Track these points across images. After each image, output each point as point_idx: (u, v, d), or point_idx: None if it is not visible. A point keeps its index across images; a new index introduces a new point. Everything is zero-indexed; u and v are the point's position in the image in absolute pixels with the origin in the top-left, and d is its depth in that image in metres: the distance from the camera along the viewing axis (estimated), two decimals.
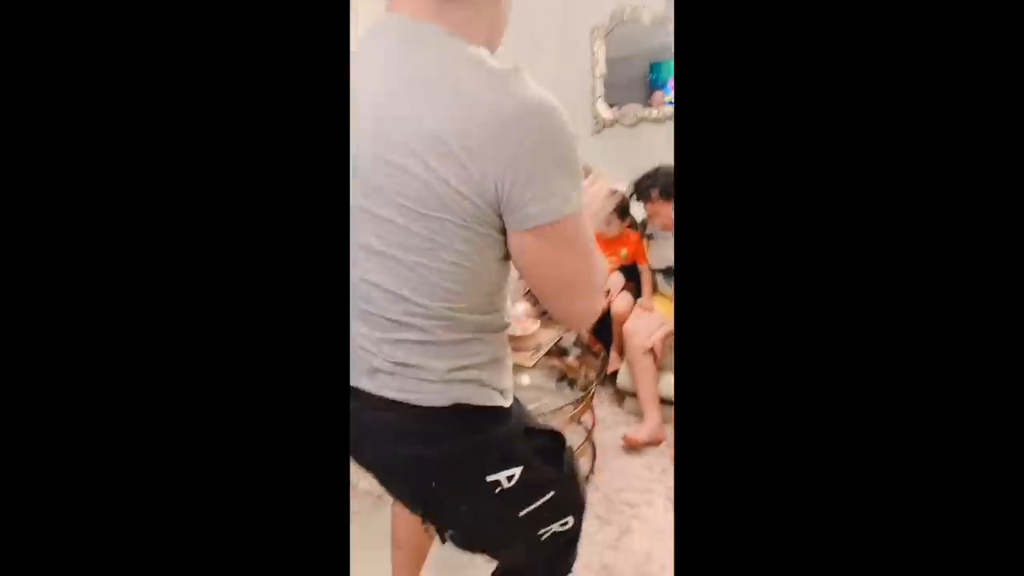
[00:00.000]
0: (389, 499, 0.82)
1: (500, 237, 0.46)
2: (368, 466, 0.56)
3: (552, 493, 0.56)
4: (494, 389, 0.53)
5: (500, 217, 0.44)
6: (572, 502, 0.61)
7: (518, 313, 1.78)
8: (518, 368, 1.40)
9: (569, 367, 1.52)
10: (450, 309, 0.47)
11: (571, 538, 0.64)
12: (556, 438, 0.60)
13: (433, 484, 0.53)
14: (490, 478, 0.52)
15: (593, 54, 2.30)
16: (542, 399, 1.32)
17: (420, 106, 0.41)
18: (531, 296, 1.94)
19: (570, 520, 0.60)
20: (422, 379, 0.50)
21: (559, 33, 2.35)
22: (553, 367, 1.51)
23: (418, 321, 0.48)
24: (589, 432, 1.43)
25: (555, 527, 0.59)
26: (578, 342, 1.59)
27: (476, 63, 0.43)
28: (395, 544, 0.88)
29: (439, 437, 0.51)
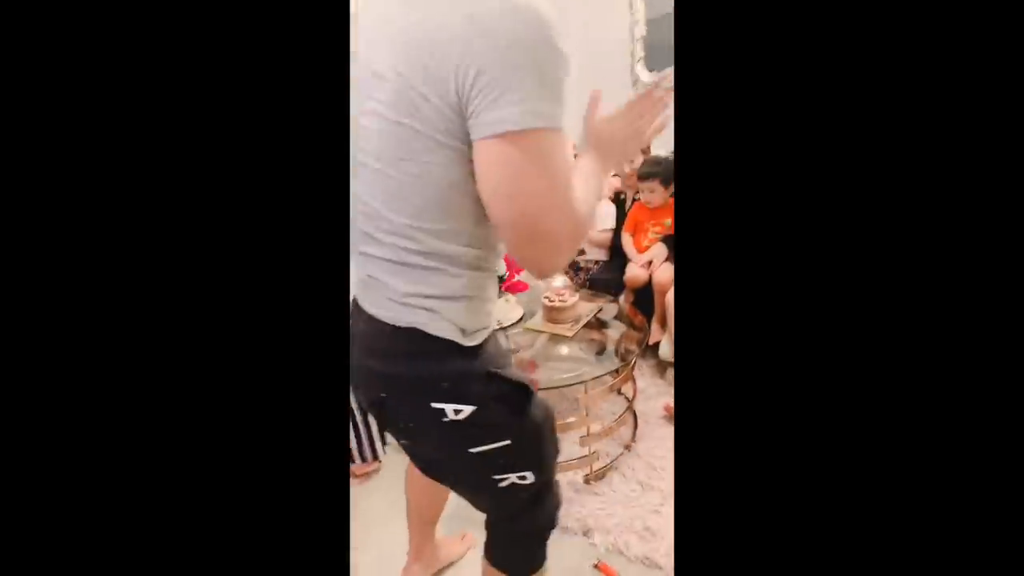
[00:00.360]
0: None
1: (468, 152, 0.43)
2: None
3: (507, 441, 0.56)
4: (453, 324, 0.52)
5: (462, 122, 0.42)
6: (533, 457, 0.60)
7: (557, 285, 1.79)
8: (557, 338, 1.43)
9: (609, 339, 1.52)
10: (413, 228, 0.48)
11: (534, 495, 0.63)
12: (522, 390, 0.57)
13: (383, 395, 0.56)
14: (435, 405, 0.52)
15: (632, 15, 2.19)
16: (581, 369, 1.33)
17: (399, 7, 0.43)
18: (567, 270, 1.94)
19: (529, 475, 0.59)
20: (386, 296, 0.52)
21: None
22: (593, 340, 1.52)
23: (384, 237, 0.50)
24: (630, 402, 1.44)
25: (513, 477, 0.58)
26: (619, 315, 1.58)
27: None
28: (409, 504, 0.93)
29: (391, 354, 0.53)
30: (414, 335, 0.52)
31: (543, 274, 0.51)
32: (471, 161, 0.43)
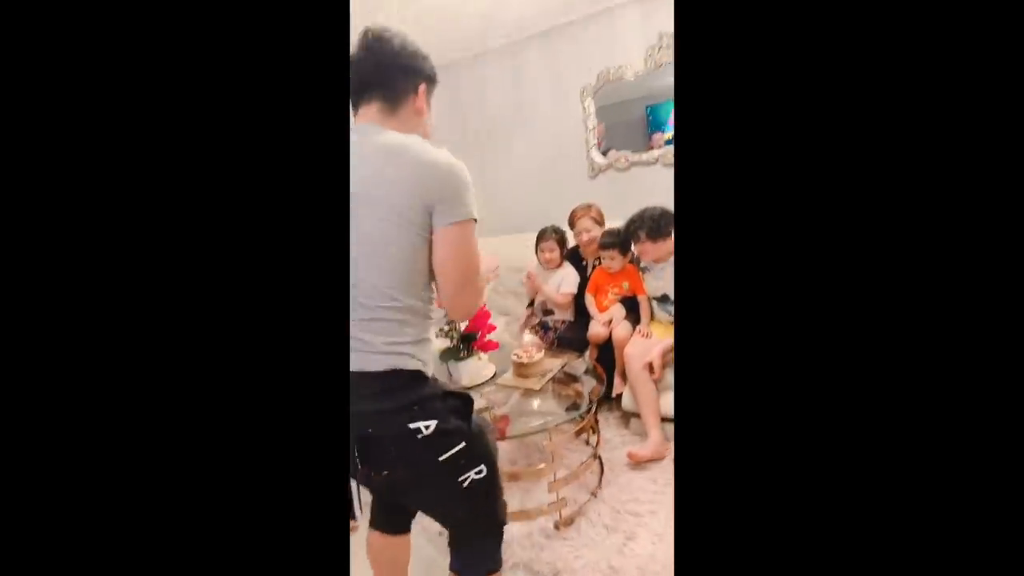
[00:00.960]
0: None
1: (428, 238, 0.70)
2: None
3: (463, 443, 0.73)
4: (419, 360, 0.72)
5: (430, 222, 0.69)
6: (482, 452, 0.77)
7: (526, 343, 1.95)
8: (530, 393, 1.57)
9: (578, 392, 1.66)
10: (392, 292, 0.69)
11: (488, 488, 0.79)
12: (466, 400, 0.78)
13: (369, 431, 0.70)
14: (412, 425, 0.69)
15: (584, 109, 2.58)
16: (552, 422, 1.45)
17: (385, 161, 0.69)
18: (536, 329, 2.12)
19: (483, 468, 0.76)
20: (368, 352, 0.68)
21: (553, 94, 2.65)
22: (564, 394, 1.65)
23: (367, 301, 0.68)
24: (595, 448, 1.56)
25: (472, 474, 0.75)
26: (588, 370, 1.73)
27: (415, 140, 0.71)
28: (373, 564, 1.01)
29: (377, 395, 0.69)
30: (395, 374, 0.70)
31: (468, 315, 0.78)
32: (430, 242, 0.71)
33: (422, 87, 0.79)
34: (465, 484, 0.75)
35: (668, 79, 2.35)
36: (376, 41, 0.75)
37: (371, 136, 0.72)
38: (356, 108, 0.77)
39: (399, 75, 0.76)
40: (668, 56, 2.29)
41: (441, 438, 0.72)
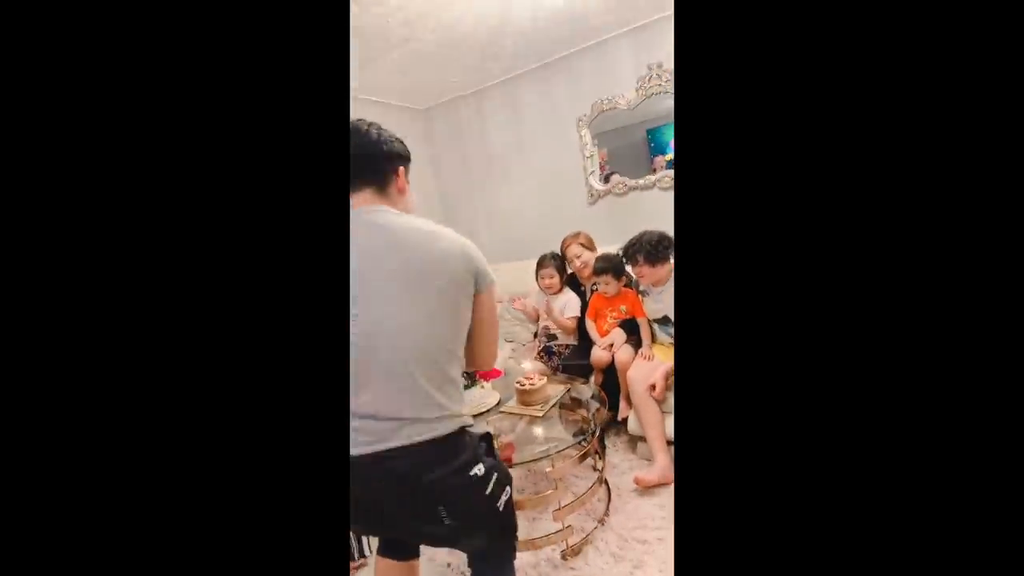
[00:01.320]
0: None
1: (470, 305, 0.81)
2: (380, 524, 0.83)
3: (496, 474, 0.83)
4: (467, 416, 0.82)
5: (474, 290, 0.81)
6: (506, 476, 0.87)
7: (528, 370, 1.98)
8: (535, 420, 1.58)
9: (584, 418, 1.67)
10: (454, 353, 0.79)
11: (511, 506, 0.89)
12: (488, 436, 0.88)
13: (449, 492, 0.77)
14: (470, 473, 0.79)
15: (580, 138, 2.67)
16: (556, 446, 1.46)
17: (429, 239, 0.79)
18: (541, 354, 2.14)
19: (509, 489, 0.87)
20: (422, 422, 0.75)
21: (550, 125, 2.74)
22: (571, 420, 1.66)
23: (445, 364, 0.77)
24: (600, 472, 1.56)
25: (504, 497, 0.85)
26: (594, 395, 1.75)
27: (425, 222, 0.81)
28: None
29: (447, 458, 0.77)
30: (459, 434, 0.79)
31: (492, 364, 0.92)
32: (471, 307, 0.82)
33: (401, 169, 0.87)
34: (500, 507, 0.83)
35: (665, 103, 2.42)
36: (356, 133, 0.82)
37: (394, 218, 0.80)
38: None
39: (382, 161, 0.84)
40: (659, 85, 2.37)
41: (487, 477, 0.81)
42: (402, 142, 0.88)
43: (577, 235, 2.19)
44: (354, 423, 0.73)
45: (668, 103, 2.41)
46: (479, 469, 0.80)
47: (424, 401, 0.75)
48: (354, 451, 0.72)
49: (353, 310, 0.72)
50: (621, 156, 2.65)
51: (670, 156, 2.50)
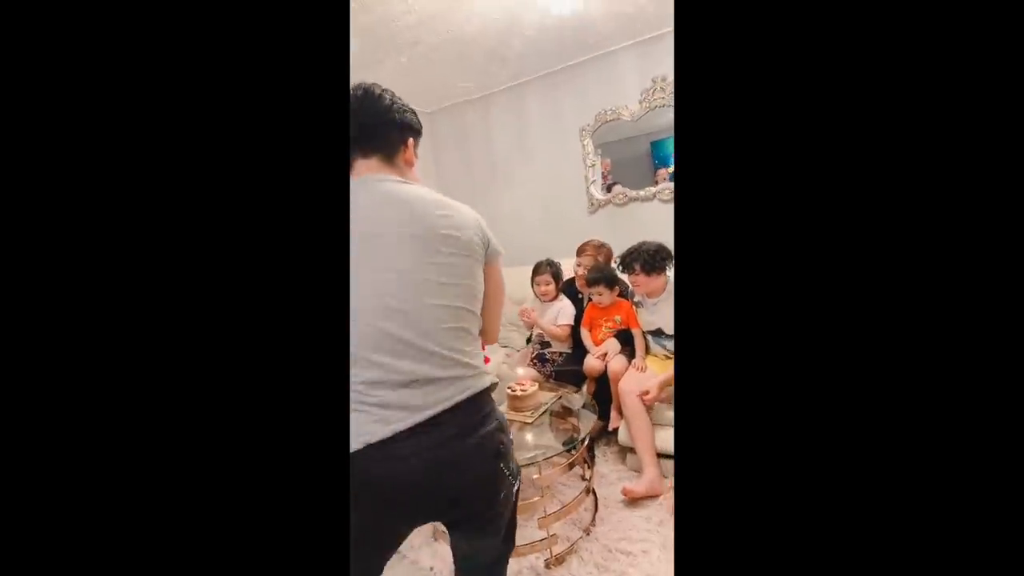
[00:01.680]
0: None
1: (482, 273, 0.82)
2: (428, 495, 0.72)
3: (512, 462, 0.80)
4: (487, 373, 0.80)
5: (485, 256, 0.81)
6: (517, 465, 0.84)
7: (520, 376, 1.97)
8: (525, 427, 1.58)
9: (575, 427, 1.66)
10: (473, 313, 0.78)
11: (515, 500, 0.85)
12: (503, 417, 0.85)
13: (502, 444, 0.78)
14: (502, 439, 0.78)
15: (583, 148, 2.69)
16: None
17: (441, 208, 0.77)
18: (534, 361, 2.14)
19: (517, 482, 0.83)
20: (474, 374, 0.75)
21: (554, 134, 2.76)
22: (561, 429, 1.65)
23: (469, 324, 0.76)
24: (588, 482, 1.56)
25: (517, 485, 0.82)
26: (587, 404, 1.74)
27: (430, 192, 0.79)
28: None
29: (491, 412, 0.77)
30: (491, 389, 0.78)
31: (496, 339, 0.91)
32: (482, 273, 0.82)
33: (411, 140, 0.85)
34: (506, 494, 0.80)
35: (668, 116, 2.43)
36: (368, 97, 0.79)
37: (401, 186, 0.78)
38: (353, 161, 0.81)
39: (393, 129, 0.81)
40: (662, 98, 2.39)
41: (504, 448, 0.78)
42: (415, 113, 0.86)
43: (601, 247, 2.17)
44: (388, 396, 0.67)
45: (672, 116, 2.43)
46: (505, 439, 0.78)
47: (455, 360, 0.73)
48: (388, 429, 0.66)
49: (358, 278, 0.68)
50: (625, 166, 2.67)
51: (672, 168, 2.52)
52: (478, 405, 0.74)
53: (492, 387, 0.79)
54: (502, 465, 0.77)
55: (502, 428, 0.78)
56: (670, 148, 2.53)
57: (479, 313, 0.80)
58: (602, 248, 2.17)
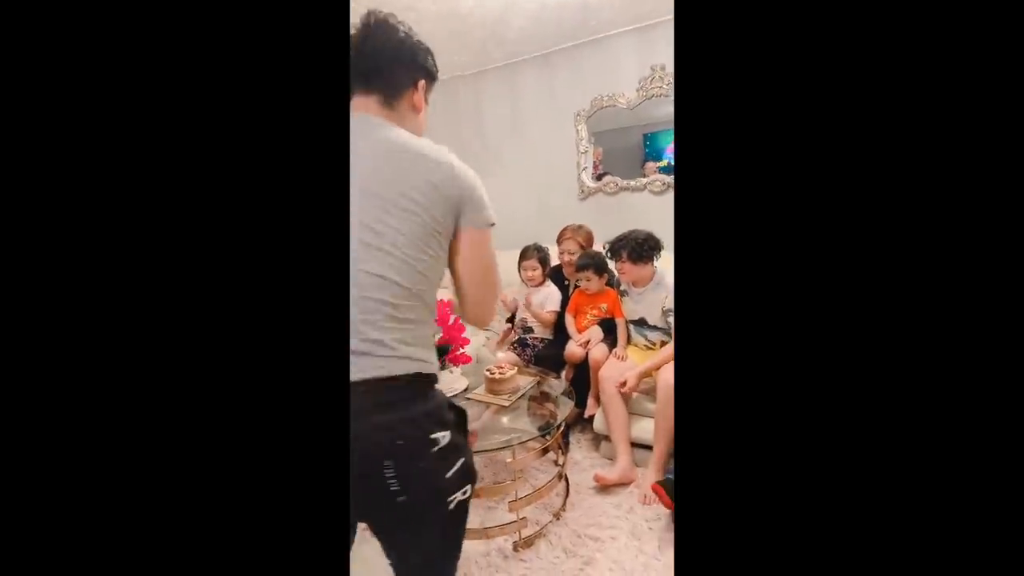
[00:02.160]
0: None
1: (447, 243, 0.69)
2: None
3: (462, 460, 0.67)
4: (433, 364, 0.68)
5: (454, 226, 0.68)
6: (472, 470, 0.70)
7: (499, 358, 1.95)
8: (502, 411, 1.56)
9: (552, 413, 1.65)
10: (416, 292, 0.65)
11: (464, 509, 0.71)
12: (463, 413, 0.72)
13: (399, 442, 0.62)
14: (432, 436, 0.63)
15: (577, 133, 2.64)
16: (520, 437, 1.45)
17: (412, 162, 0.67)
18: (515, 346, 2.12)
19: (468, 489, 0.69)
20: (382, 357, 0.62)
21: (548, 116, 2.70)
22: (538, 414, 1.64)
23: (398, 300, 0.64)
24: (561, 467, 1.55)
25: (459, 495, 0.67)
26: (566, 391, 1.73)
27: (432, 145, 0.69)
28: None
29: (401, 402, 0.63)
30: (417, 379, 0.65)
31: (485, 322, 0.76)
32: (447, 247, 0.70)
33: (422, 83, 0.75)
34: (452, 506, 0.67)
35: (665, 110, 2.40)
36: (380, 27, 0.71)
37: (385, 132, 0.68)
38: (352, 95, 0.72)
39: (401, 67, 0.72)
40: (660, 88, 2.35)
41: (451, 452, 0.65)
42: (431, 54, 0.76)
43: (578, 229, 2.13)
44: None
45: (668, 108, 2.40)
46: (443, 437, 0.64)
47: (375, 336, 0.62)
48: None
49: None
50: (616, 157, 2.64)
51: (664, 163, 2.49)
52: (378, 389, 0.61)
53: (423, 377, 0.65)
54: (388, 471, 0.61)
55: (416, 425, 0.63)
56: (663, 142, 2.51)
57: (425, 293, 0.67)
58: (580, 230, 2.13)
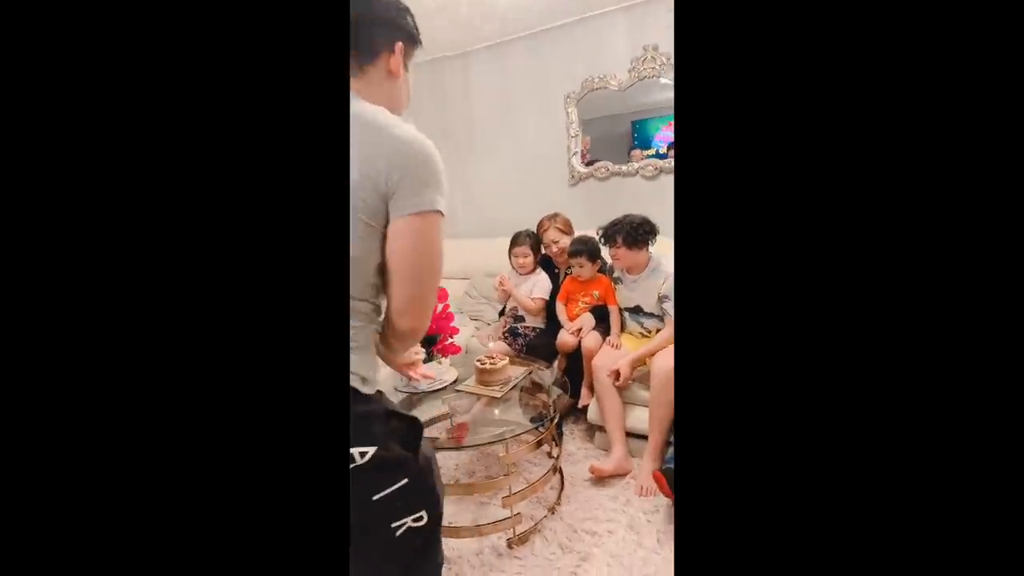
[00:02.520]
0: None
1: (381, 232, 0.58)
2: None
3: (405, 480, 0.57)
4: (354, 373, 0.58)
5: (385, 211, 0.57)
6: (426, 494, 0.61)
7: (491, 348, 1.89)
8: (493, 402, 1.50)
9: (544, 403, 1.60)
10: (364, 298, 0.56)
11: (427, 539, 0.61)
12: (414, 424, 0.61)
13: None
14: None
15: (567, 116, 2.56)
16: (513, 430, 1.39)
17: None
18: (506, 335, 2.05)
19: (424, 515, 0.60)
20: None
21: (537, 98, 2.62)
22: (530, 404, 1.59)
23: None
24: (555, 460, 1.50)
25: (409, 521, 0.58)
26: (557, 380, 1.68)
27: (376, 111, 0.59)
28: None
29: None
30: None
31: (413, 332, 0.63)
32: (382, 237, 0.59)
33: (399, 46, 0.66)
34: (400, 532, 0.58)
35: (655, 95, 2.34)
36: None
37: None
38: None
39: (376, 26, 0.64)
40: (652, 68, 2.28)
41: (378, 471, 0.56)
42: (410, 14, 0.68)
43: (555, 217, 2.08)
44: None
45: (658, 93, 2.33)
46: (361, 452, 0.54)
47: None
48: None
49: None
50: (604, 145, 2.56)
51: (652, 151, 2.43)
52: None
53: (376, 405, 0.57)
54: None
55: (366, 438, 0.55)
56: (652, 130, 2.45)
57: (377, 302, 0.59)
58: (556, 218, 2.07)
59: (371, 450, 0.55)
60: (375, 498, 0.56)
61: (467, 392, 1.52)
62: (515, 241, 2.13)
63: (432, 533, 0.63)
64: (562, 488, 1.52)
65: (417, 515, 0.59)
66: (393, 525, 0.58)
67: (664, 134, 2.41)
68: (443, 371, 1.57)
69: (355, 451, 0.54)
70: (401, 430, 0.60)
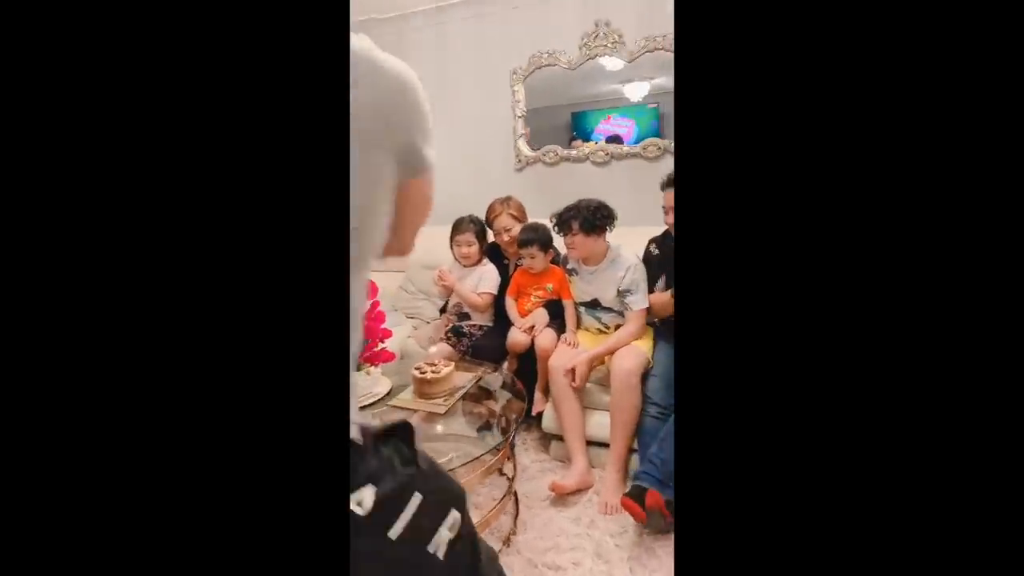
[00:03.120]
0: None
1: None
2: None
3: (420, 497, 0.46)
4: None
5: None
6: (445, 494, 0.50)
7: (432, 354, 1.63)
8: (434, 416, 1.25)
9: (491, 411, 1.38)
10: None
11: (468, 535, 0.51)
12: (405, 428, 0.49)
13: None
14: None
15: (514, 95, 2.35)
16: (460, 448, 1.16)
17: None
18: (449, 335, 1.81)
19: (454, 515, 0.49)
20: None
21: (480, 73, 2.38)
22: (475, 413, 1.37)
23: None
24: (511, 482, 1.29)
25: (444, 532, 0.47)
26: (505, 384, 1.47)
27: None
28: None
29: None
30: None
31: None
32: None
33: None
34: (441, 552, 0.46)
35: (598, 87, 2.23)
36: None
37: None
38: None
39: None
40: (604, 47, 2.14)
41: (385, 508, 0.43)
42: None
43: (507, 201, 1.86)
44: None
45: (608, 86, 2.20)
46: (355, 503, 0.41)
47: None
48: None
49: None
50: (543, 135, 2.40)
51: (593, 144, 2.29)
52: None
53: None
54: None
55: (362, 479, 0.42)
56: (592, 123, 2.33)
57: None
58: (508, 202, 1.85)
59: (369, 492, 0.43)
60: (393, 536, 0.44)
61: (402, 408, 1.26)
62: (457, 228, 1.88)
63: (470, 527, 0.51)
64: (517, 513, 1.31)
65: (448, 519, 0.48)
66: (431, 550, 0.47)
67: (603, 127, 2.30)
68: (373, 383, 1.30)
69: (351, 502, 0.42)
70: (397, 448, 0.47)
